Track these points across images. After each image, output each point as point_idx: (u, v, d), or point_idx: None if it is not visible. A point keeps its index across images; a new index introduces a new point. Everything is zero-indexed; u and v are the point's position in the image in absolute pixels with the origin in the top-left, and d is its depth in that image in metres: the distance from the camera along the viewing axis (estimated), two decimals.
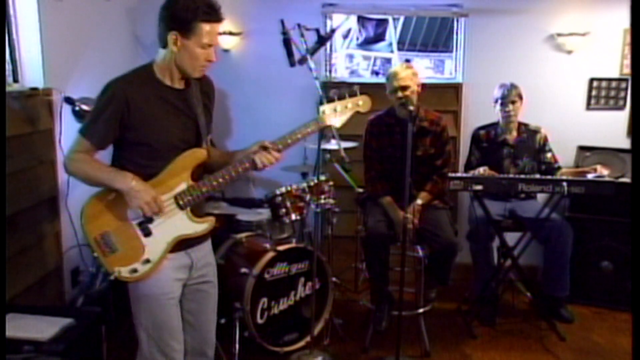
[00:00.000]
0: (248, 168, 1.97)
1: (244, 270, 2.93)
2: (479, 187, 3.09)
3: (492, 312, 3.46)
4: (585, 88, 4.09)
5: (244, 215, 3.53)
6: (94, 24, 3.37)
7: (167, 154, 1.91)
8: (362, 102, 2.12)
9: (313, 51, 3.13)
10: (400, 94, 3.12)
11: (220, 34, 3.96)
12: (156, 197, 1.85)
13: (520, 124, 3.61)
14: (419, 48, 6.36)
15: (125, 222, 1.90)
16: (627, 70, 4.01)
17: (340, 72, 5.05)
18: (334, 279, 3.29)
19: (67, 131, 2.80)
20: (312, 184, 3.12)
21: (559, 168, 3.54)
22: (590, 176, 3.17)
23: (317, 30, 3.18)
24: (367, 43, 6.34)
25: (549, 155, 3.58)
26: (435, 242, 3.14)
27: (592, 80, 4.07)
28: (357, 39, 6.35)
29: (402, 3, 4.14)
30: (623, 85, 4.04)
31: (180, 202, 1.93)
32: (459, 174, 3.21)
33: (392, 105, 3.28)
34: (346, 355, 3.07)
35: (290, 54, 3.11)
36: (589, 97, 4.09)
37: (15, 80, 2.77)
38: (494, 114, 3.62)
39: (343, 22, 5.27)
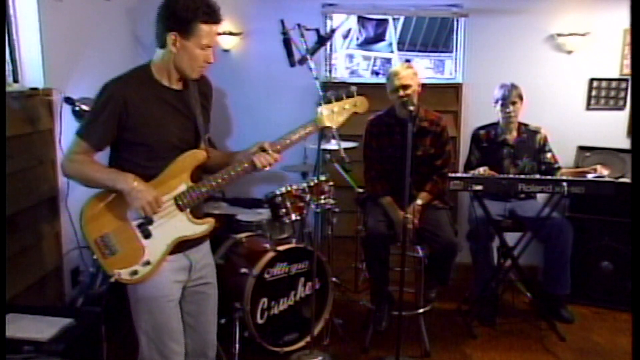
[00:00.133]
0: (247, 169, 1.97)
1: (244, 270, 2.93)
2: (479, 187, 3.08)
3: (492, 312, 3.46)
4: (585, 88, 4.09)
5: (244, 215, 3.53)
6: (94, 24, 3.37)
7: (166, 155, 1.90)
8: (359, 103, 2.13)
9: (313, 51, 3.13)
10: (402, 92, 3.11)
11: (220, 34, 4.02)
12: (157, 197, 1.85)
13: (520, 124, 3.61)
14: (419, 48, 6.36)
15: (125, 224, 1.89)
16: (627, 70, 4.01)
17: (340, 72, 5.06)
18: (334, 279, 3.29)
19: (67, 131, 2.80)
20: (312, 184, 3.12)
21: (559, 168, 3.54)
22: (590, 176, 3.17)
23: (317, 30, 3.18)
24: (367, 43, 6.34)
25: (548, 155, 3.58)
26: (435, 242, 3.14)
27: (592, 80, 4.07)
28: (357, 39, 6.35)
29: (402, 3, 4.14)
30: (623, 85, 4.04)
31: (180, 203, 1.92)
32: (459, 174, 3.21)
33: (392, 105, 3.28)
34: (346, 355, 3.07)
35: (290, 54, 3.11)
36: (589, 97, 4.10)
37: (15, 80, 2.77)
38: (494, 114, 3.62)
39: (343, 22, 5.27)
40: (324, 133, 2.76)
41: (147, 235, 1.90)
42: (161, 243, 1.91)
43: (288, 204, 3.08)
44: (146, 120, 1.85)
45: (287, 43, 3.11)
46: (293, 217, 3.10)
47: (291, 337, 3.03)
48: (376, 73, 6.08)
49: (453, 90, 4.17)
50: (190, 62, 1.86)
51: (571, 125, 4.06)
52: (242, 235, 3.26)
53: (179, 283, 2.00)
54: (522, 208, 3.53)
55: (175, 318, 2.00)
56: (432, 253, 3.21)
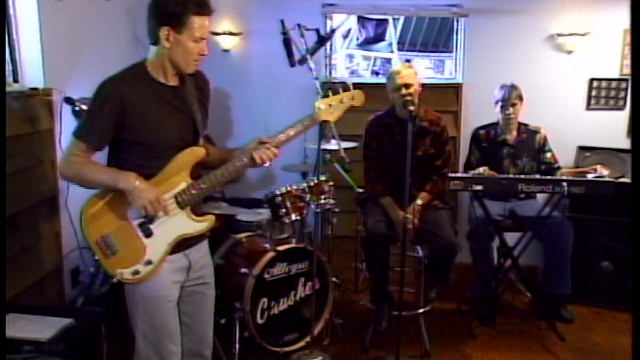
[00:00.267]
0: (247, 164, 1.96)
1: (244, 270, 2.93)
2: (479, 187, 3.08)
3: (492, 312, 3.46)
4: (585, 88, 4.09)
5: (244, 215, 3.53)
6: (94, 24, 3.36)
7: (165, 153, 1.89)
8: (356, 96, 2.15)
9: (313, 51, 3.13)
10: (404, 91, 3.11)
11: (219, 33, 4.03)
12: (159, 196, 1.84)
13: (520, 124, 3.61)
14: (419, 48, 6.36)
15: (125, 223, 1.88)
16: (627, 70, 4.01)
17: (340, 72, 5.06)
18: (334, 279, 3.28)
19: (67, 131, 2.79)
20: (312, 184, 3.11)
21: (559, 168, 3.54)
22: (590, 176, 3.17)
23: (317, 30, 3.18)
24: (367, 43, 6.34)
25: (548, 155, 3.58)
26: (435, 242, 3.14)
27: (592, 80, 4.07)
28: (357, 39, 6.35)
29: (402, 3, 4.14)
30: (623, 85, 4.04)
31: (180, 201, 1.91)
32: (459, 174, 3.21)
33: (392, 105, 3.28)
34: (346, 355, 3.07)
35: (290, 54, 3.12)
36: (589, 97, 4.10)
37: (15, 80, 2.76)
38: (494, 114, 3.62)
39: (343, 22, 5.27)
40: (324, 133, 2.76)
41: (148, 234, 1.89)
42: (162, 242, 1.91)
43: (288, 204, 3.07)
44: (145, 119, 1.84)
45: (287, 43, 3.12)
46: (293, 217, 3.10)
47: (291, 337, 3.03)
48: (376, 73, 6.08)
49: (453, 90, 4.17)
50: (184, 55, 1.85)
51: (571, 125, 4.06)
52: (242, 235, 3.25)
53: (178, 283, 2.00)
54: (522, 208, 3.53)
55: (173, 319, 1.99)
56: (432, 253, 3.21)
